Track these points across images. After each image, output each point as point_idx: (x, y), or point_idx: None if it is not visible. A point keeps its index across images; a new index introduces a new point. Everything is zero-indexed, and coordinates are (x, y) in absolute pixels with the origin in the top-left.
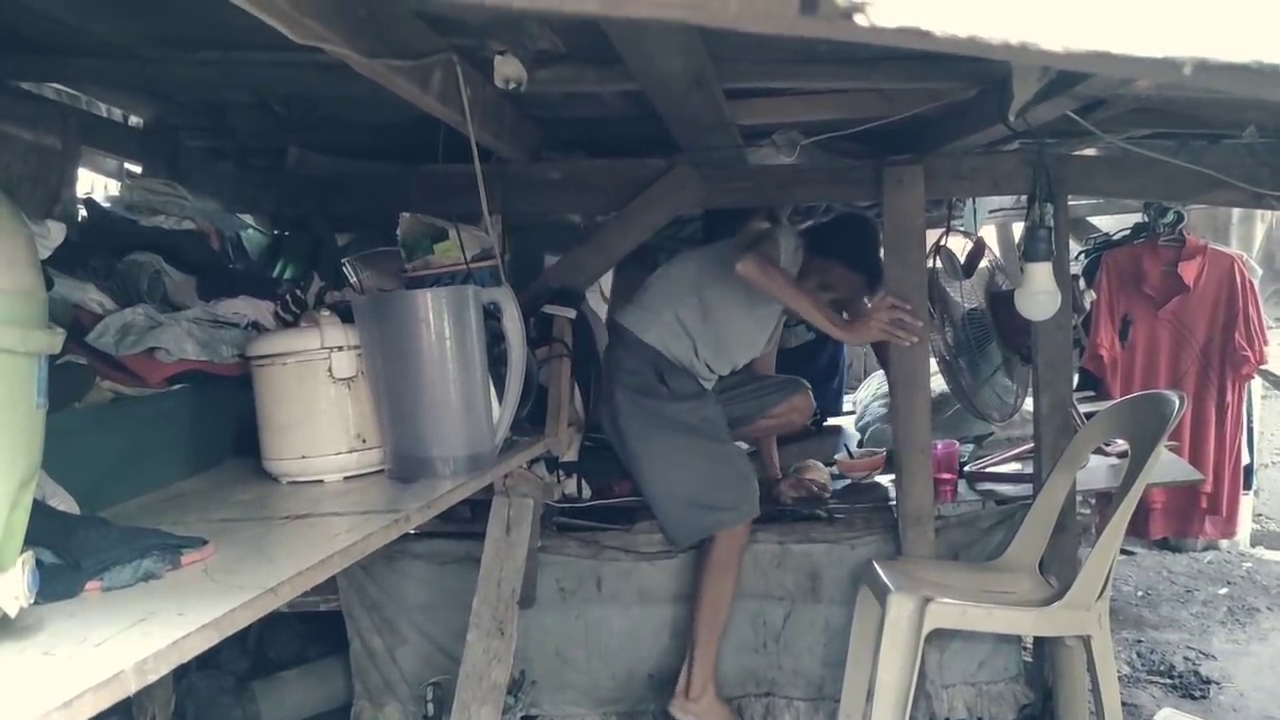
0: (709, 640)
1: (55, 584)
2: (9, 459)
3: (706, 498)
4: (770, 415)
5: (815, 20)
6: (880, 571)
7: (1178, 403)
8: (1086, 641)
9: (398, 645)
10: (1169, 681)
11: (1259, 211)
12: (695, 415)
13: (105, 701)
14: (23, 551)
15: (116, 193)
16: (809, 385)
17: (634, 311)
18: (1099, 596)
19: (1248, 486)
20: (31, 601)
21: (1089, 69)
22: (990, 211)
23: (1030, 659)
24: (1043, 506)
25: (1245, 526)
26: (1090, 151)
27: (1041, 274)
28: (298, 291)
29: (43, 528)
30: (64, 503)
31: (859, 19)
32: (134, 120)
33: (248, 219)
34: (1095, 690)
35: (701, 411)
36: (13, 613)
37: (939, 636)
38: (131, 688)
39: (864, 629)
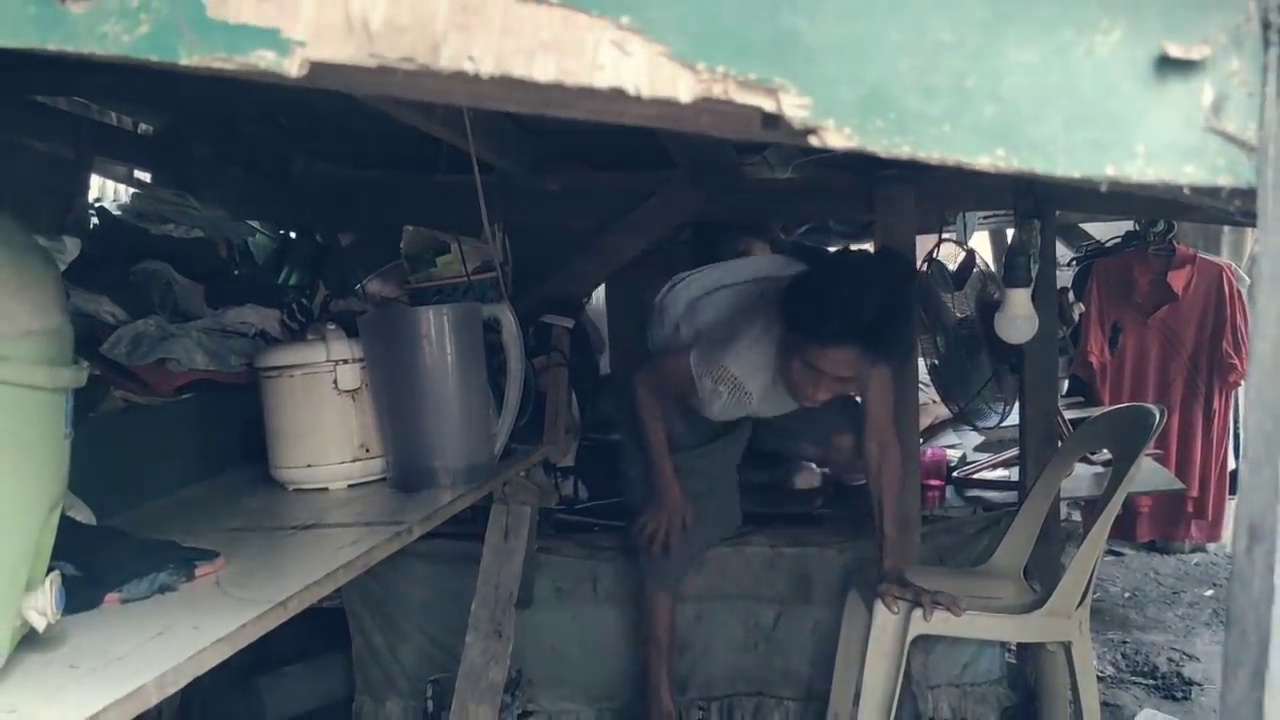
0: None
1: (76, 597)
2: (40, 487)
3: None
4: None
5: (775, 132)
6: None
7: (1158, 415)
8: (1067, 648)
9: (399, 642)
10: (1151, 682)
11: None
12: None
13: (129, 713)
14: (49, 569)
15: (126, 198)
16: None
17: None
18: (1079, 604)
19: (1234, 491)
20: (58, 618)
21: (1019, 176)
22: (984, 218)
23: (1014, 661)
24: (1028, 514)
25: (1231, 530)
26: None
27: (1020, 299)
28: (303, 300)
29: (64, 541)
30: (82, 514)
31: (813, 139)
32: (144, 128)
33: (255, 224)
34: (1075, 695)
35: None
36: (41, 629)
37: (925, 639)
38: (153, 700)
39: (852, 632)
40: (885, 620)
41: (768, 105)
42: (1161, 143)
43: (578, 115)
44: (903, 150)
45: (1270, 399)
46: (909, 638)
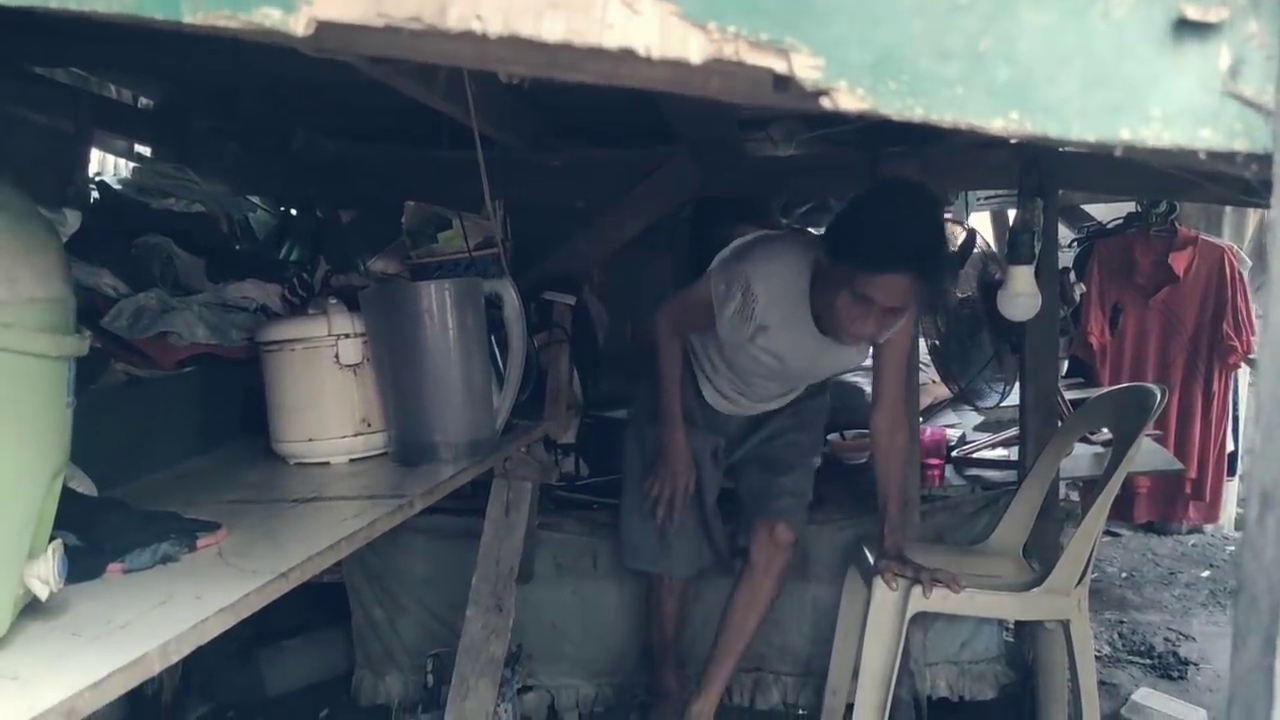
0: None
1: (79, 566)
2: (43, 456)
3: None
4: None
5: (786, 95)
6: (868, 553)
7: (1159, 395)
8: (1066, 626)
9: (398, 616)
10: (1148, 662)
11: None
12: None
13: (132, 681)
14: (50, 538)
15: (126, 172)
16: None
17: None
18: (1078, 582)
19: (1232, 473)
20: (60, 586)
21: (1032, 141)
22: (985, 198)
23: (1012, 639)
24: (1027, 493)
25: (1229, 511)
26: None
27: (1023, 277)
28: (304, 275)
29: (66, 511)
30: (84, 485)
31: (825, 101)
32: (144, 102)
33: (255, 200)
34: (1073, 672)
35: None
36: (44, 597)
37: (923, 617)
38: (155, 668)
39: (851, 609)
40: (884, 597)
41: (779, 66)
42: (1178, 106)
43: (586, 78)
44: (915, 113)
45: None
46: (908, 614)
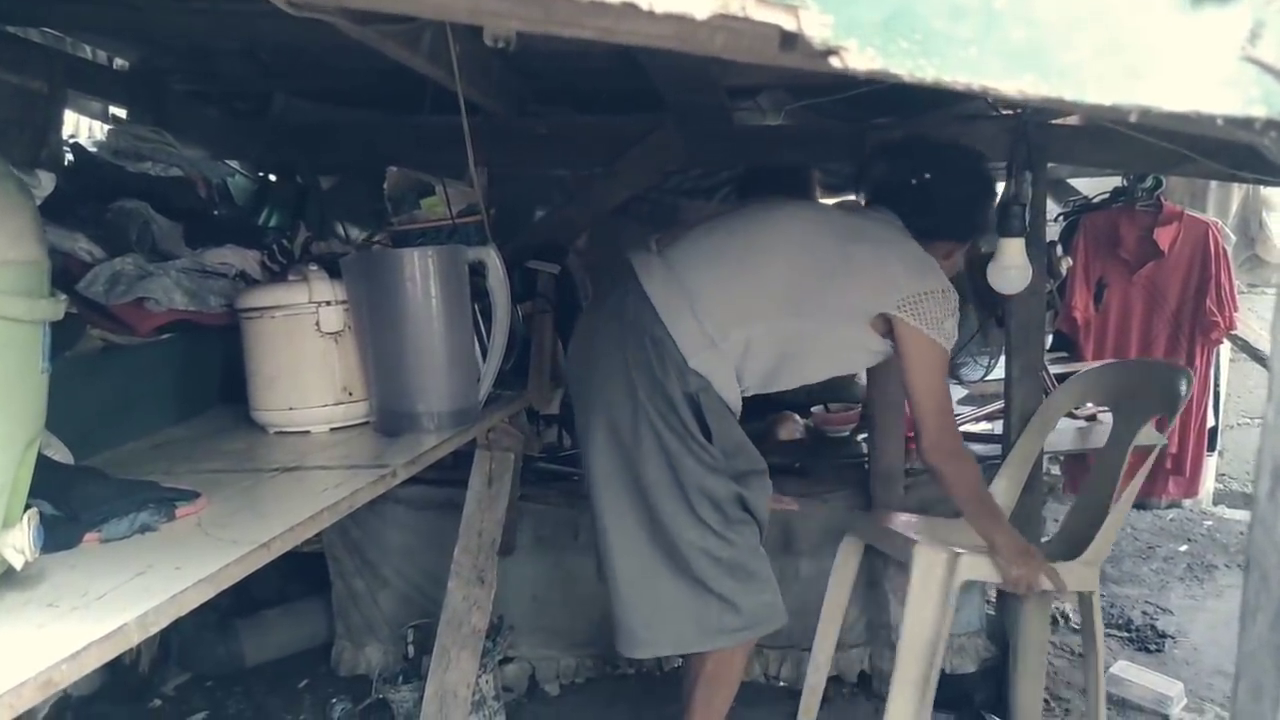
0: None
1: (55, 535)
2: (17, 422)
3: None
4: None
5: (794, 54)
6: (893, 526)
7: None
8: (1088, 597)
9: (379, 587)
10: (1126, 635)
11: None
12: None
13: (110, 653)
14: (25, 506)
15: (101, 135)
16: None
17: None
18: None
19: (1212, 448)
20: (36, 556)
21: (1044, 106)
22: None
23: (993, 613)
24: (1013, 466)
25: (1208, 486)
26: (1072, 121)
27: (1014, 249)
28: (284, 241)
29: (42, 479)
30: (59, 453)
31: (834, 60)
32: (119, 63)
33: (234, 164)
34: (1088, 642)
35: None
36: (19, 566)
37: (904, 589)
38: (134, 640)
39: (843, 578)
40: (930, 567)
41: (787, 23)
42: (1195, 71)
43: (585, 34)
44: (928, 74)
45: None
46: (957, 584)
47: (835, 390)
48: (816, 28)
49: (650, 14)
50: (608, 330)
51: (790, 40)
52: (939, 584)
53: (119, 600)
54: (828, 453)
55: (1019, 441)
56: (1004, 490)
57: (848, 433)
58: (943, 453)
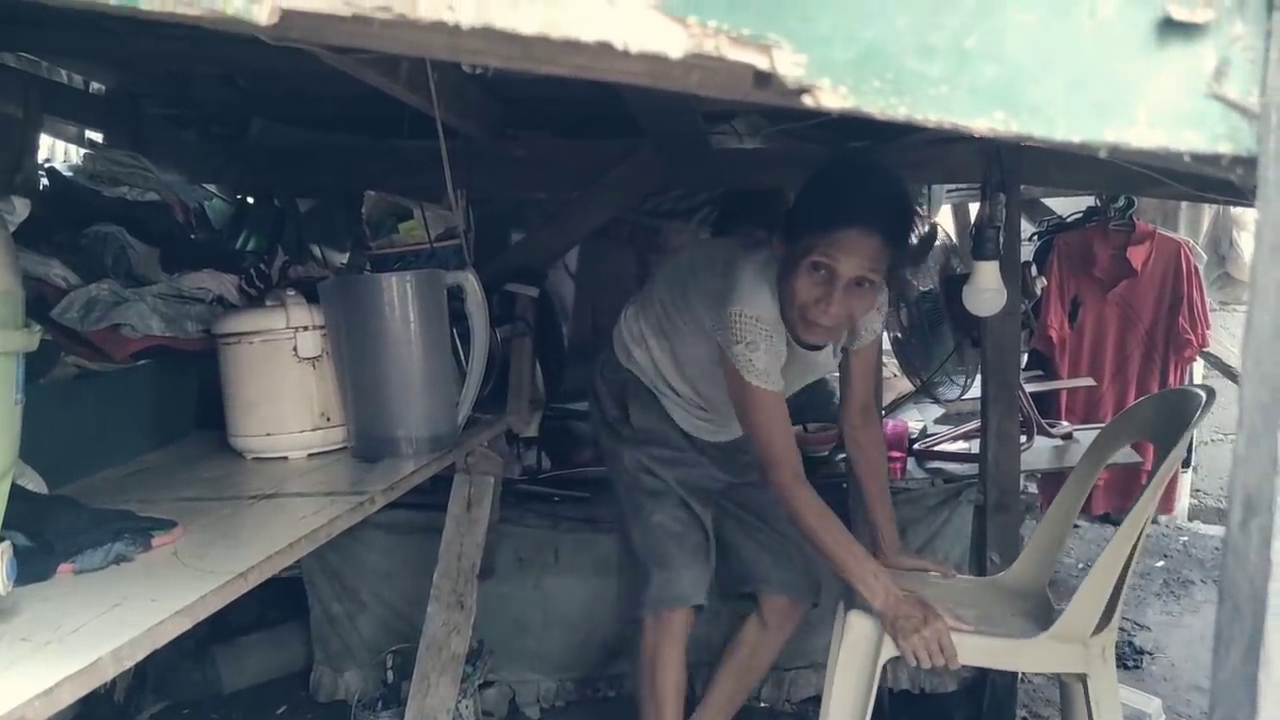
0: None
1: (28, 567)
2: None
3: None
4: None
5: (767, 92)
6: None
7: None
8: (1083, 680)
9: (358, 612)
10: None
11: None
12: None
13: (84, 688)
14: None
15: (77, 159)
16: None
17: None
18: (1099, 629)
19: (1186, 464)
20: (9, 589)
21: (1017, 141)
22: (946, 192)
23: None
24: (1053, 521)
25: (1183, 502)
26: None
27: (989, 272)
28: (262, 265)
29: (15, 510)
30: (33, 482)
31: (807, 99)
32: (95, 87)
33: (211, 188)
34: None
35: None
36: None
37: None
38: (109, 675)
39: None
40: (859, 638)
41: (761, 63)
42: (1163, 108)
43: (561, 71)
44: (899, 112)
45: (1268, 371)
46: (882, 660)
47: (814, 409)
48: (789, 67)
49: (625, 54)
50: None
51: (764, 79)
52: (866, 655)
53: (93, 634)
54: (809, 472)
55: (1060, 494)
56: (1041, 546)
57: (826, 453)
58: (782, 481)
